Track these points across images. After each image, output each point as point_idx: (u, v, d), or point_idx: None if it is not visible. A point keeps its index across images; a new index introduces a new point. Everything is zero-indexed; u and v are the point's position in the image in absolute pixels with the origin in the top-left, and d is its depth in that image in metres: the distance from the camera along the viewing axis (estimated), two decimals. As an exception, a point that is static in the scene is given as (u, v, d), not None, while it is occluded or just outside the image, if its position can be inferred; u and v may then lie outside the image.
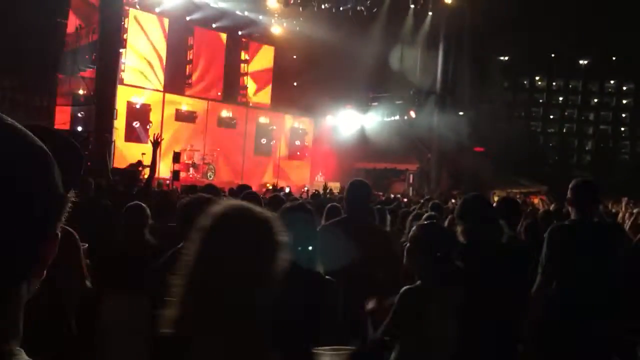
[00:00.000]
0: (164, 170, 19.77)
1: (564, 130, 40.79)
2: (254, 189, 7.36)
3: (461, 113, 29.41)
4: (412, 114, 27.16)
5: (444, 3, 25.94)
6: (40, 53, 16.76)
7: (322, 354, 2.20)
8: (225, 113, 26.00)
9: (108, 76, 17.05)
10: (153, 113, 23.34)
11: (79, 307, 3.19)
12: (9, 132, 0.80)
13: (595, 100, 40.87)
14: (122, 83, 20.83)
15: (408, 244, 3.34)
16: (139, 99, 22.87)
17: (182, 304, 1.67)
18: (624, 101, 40.36)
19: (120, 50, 19.64)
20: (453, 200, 12.64)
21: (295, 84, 27.18)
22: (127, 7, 21.67)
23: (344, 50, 24.58)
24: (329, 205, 5.65)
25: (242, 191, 6.93)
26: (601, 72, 39.10)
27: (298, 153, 29.06)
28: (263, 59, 27.57)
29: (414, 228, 3.48)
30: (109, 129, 16.88)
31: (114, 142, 17.82)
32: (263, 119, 27.61)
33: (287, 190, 16.59)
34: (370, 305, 3.38)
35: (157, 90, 23.61)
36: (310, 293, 2.67)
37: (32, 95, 16.86)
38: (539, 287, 3.90)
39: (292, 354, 1.80)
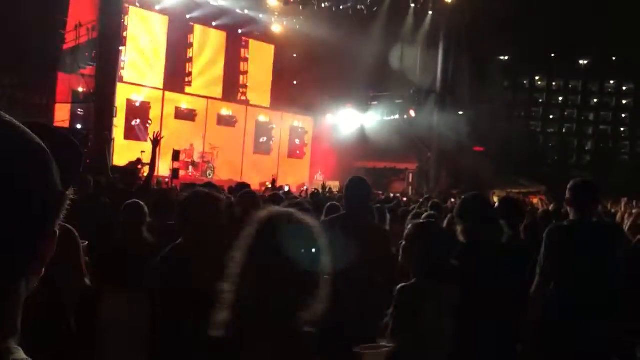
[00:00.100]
0: (163, 168, 19.78)
1: (564, 130, 40.79)
2: (254, 187, 7.36)
3: (461, 112, 29.41)
4: (412, 113, 27.16)
5: (444, 2, 25.94)
6: (39, 50, 16.73)
7: (363, 352, 2.20)
8: (224, 111, 26.01)
9: (108, 74, 17.04)
10: (153, 111, 23.35)
11: (78, 305, 3.18)
12: (7, 129, 0.80)
13: (595, 100, 40.86)
14: (121, 81, 20.82)
15: (403, 242, 3.34)
16: (138, 97, 22.88)
17: (231, 308, 1.70)
18: (624, 101, 40.36)
19: (120, 48, 19.61)
20: (452, 200, 12.64)
21: (295, 82, 27.20)
22: (127, 5, 21.66)
23: (344, 49, 24.57)
24: (329, 204, 5.65)
25: (241, 189, 6.93)
26: (601, 72, 39.10)
27: (297, 152, 29.08)
28: (263, 57, 27.58)
29: (409, 226, 3.48)
30: (108, 126, 16.86)
31: (114, 139, 17.80)
32: (262, 118, 27.62)
33: (286, 189, 16.59)
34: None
35: (157, 88, 23.63)
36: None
37: (32, 93, 16.83)
38: (537, 287, 3.89)
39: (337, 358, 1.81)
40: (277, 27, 26.87)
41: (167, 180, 18.19)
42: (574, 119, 40.95)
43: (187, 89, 24.97)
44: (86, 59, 18.09)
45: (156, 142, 6.95)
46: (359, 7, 25.19)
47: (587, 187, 4.06)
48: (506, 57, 38.43)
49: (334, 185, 22.30)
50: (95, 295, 3.64)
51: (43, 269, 0.84)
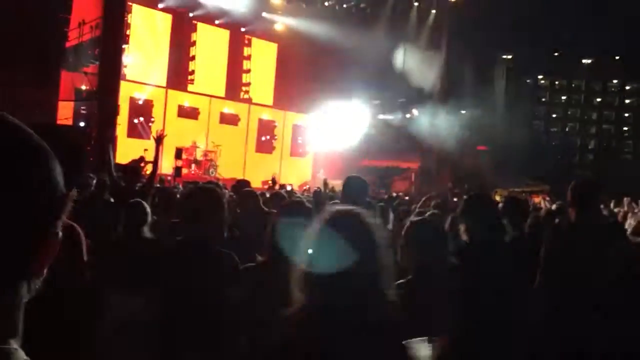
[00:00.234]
0: (166, 166, 19.78)
1: (567, 130, 40.72)
2: (256, 185, 7.36)
3: (464, 111, 29.39)
4: (415, 112, 27.14)
5: (447, 1, 25.90)
6: (42, 48, 16.74)
7: (415, 344, 2.22)
8: (227, 109, 26.01)
9: (111, 72, 17.04)
10: (155, 109, 23.37)
11: (80, 305, 3.19)
12: (10, 130, 0.80)
13: (598, 99, 40.77)
14: (124, 79, 20.83)
15: (402, 240, 3.34)
16: (141, 95, 22.90)
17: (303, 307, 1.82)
18: (627, 101, 40.27)
19: (123, 46, 19.62)
20: (455, 199, 12.62)
21: (297, 81, 27.13)
22: (130, 3, 21.66)
23: (347, 48, 24.55)
24: (331, 203, 5.65)
25: (241, 186, 6.92)
26: (604, 71, 39.02)
27: (300, 150, 29.06)
28: (266, 55, 27.56)
29: (406, 224, 3.48)
30: (111, 124, 16.87)
31: (116, 137, 17.81)
32: (265, 116, 27.61)
33: (288, 188, 16.58)
34: None
35: (160, 87, 23.64)
36: None
37: (35, 91, 16.83)
38: (538, 288, 3.88)
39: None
40: (280, 26, 26.84)
41: (169, 178, 18.20)
42: (577, 118, 40.89)
43: (190, 87, 24.97)
44: (89, 56, 18.10)
45: (159, 141, 6.96)
46: (362, 5, 25.18)
47: (588, 187, 4.04)
48: (509, 56, 38.36)
49: (337, 183, 22.27)
50: (96, 295, 3.64)
51: (45, 271, 0.84)
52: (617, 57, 38.41)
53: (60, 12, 17.63)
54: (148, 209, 4.45)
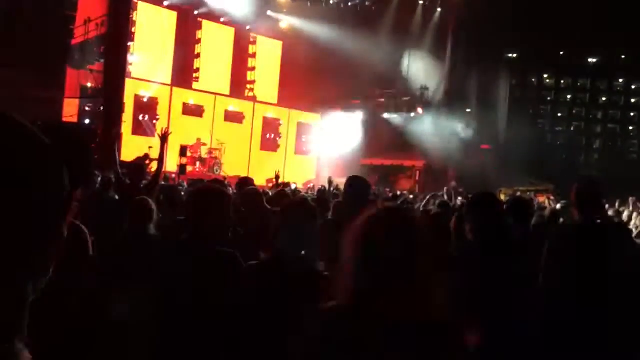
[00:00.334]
0: (171, 164, 19.80)
1: (572, 129, 40.58)
2: (260, 183, 7.37)
3: (468, 110, 29.34)
4: (420, 110, 27.09)
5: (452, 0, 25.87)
6: (48, 46, 16.78)
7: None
8: (232, 107, 26.02)
9: (116, 69, 17.10)
10: (160, 107, 23.40)
11: (85, 304, 3.20)
12: (14, 128, 0.80)
13: (604, 98, 40.62)
14: (129, 76, 20.88)
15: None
16: (146, 93, 22.93)
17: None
18: (633, 100, 40.12)
19: (129, 43, 19.66)
20: (460, 198, 12.61)
21: (302, 79, 27.11)
22: (135, 1, 21.70)
23: (352, 46, 24.52)
24: (335, 201, 5.65)
25: (244, 184, 6.92)
26: (610, 70, 38.89)
27: (304, 148, 29.05)
28: (271, 53, 27.56)
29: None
30: (116, 122, 16.91)
31: (121, 135, 17.85)
32: (270, 114, 27.61)
33: (293, 187, 16.57)
34: None
35: (165, 84, 23.66)
36: None
37: (40, 88, 16.88)
38: (541, 289, 3.87)
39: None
40: (285, 24, 26.82)
41: (173, 175, 18.23)
42: (582, 117, 40.72)
43: (195, 85, 24.99)
44: (95, 54, 18.15)
45: (164, 138, 6.97)
46: (367, 3, 25.14)
47: (592, 187, 4.01)
48: (514, 55, 38.27)
49: (341, 182, 22.25)
50: (101, 294, 3.65)
51: (50, 270, 0.84)
52: (623, 57, 38.27)
53: (66, 9, 17.68)
54: (154, 206, 4.46)
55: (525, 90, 39.78)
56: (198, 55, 25.03)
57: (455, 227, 4.60)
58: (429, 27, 27.06)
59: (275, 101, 27.80)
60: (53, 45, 17.10)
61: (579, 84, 40.51)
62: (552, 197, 16.44)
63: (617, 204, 12.94)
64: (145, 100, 22.89)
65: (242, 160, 25.65)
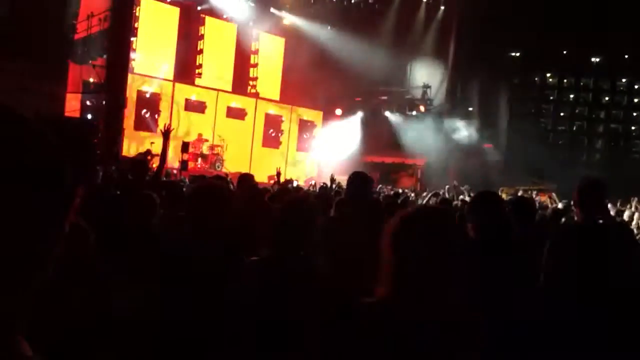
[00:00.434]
0: (172, 159, 19.82)
1: (574, 128, 40.49)
2: (261, 180, 7.37)
3: (470, 109, 29.31)
4: (422, 108, 27.07)
5: (456, -2, 25.86)
6: (51, 40, 16.78)
7: None
8: (234, 104, 26.01)
9: (119, 65, 17.09)
10: (162, 102, 23.40)
11: (87, 300, 3.20)
12: (16, 123, 0.80)
13: (607, 98, 40.52)
14: (132, 72, 20.87)
15: None
16: (149, 88, 22.93)
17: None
18: (636, 100, 40.02)
19: (131, 39, 19.65)
20: (462, 197, 12.61)
21: (304, 76, 27.11)
22: (138, -4, 21.70)
23: (355, 43, 24.51)
24: (337, 199, 5.65)
25: (244, 180, 6.91)
26: (613, 70, 38.80)
27: (306, 145, 29.05)
28: (273, 50, 27.53)
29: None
30: (119, 117, 16.92)
31: (124, 130, 17.88)
32: (272, 111, 27.61)
33: (295, 184, 16.58)
34: None
35: (167, 80, 23.66)
36: None
37: (43, 82, 16.88)
38: (541, 289, 3.86)
39: None
40: (287, 21, 26.80)
41: (175, 171, 18.24)
42: (584, 117, 40.63)
43: (197, 81, 24.99)
44: (97, 49, 18.13)
45: (167, 134, 6.97)
46: (370, 1, 25.10)
47: (595, 187, 4.00)
48: (517, 54, 38.19)
49: (343, 179, 22.26)
50: (103, 290, 3.64)
51: (51, 267, 0.84)
52: (626, 56, 38.19)
53: (69, 4, 17.67)
54: (157, 201, 4.45)
55: (528, 89, 39.69)
56: (201, 52, 25.02)
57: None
58: (432, 25, 27.03)
59: (277, 98, 27.79)
60: (56, 39, 17.09)
61: (581, 84, 40.42)
62: (553, 197, 16.43)
63: (618, 204, 12.95)
64: (147, 95, 22.90)
65: (244, 156, 25.66)
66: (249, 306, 2.89)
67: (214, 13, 24.82)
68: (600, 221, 3.97)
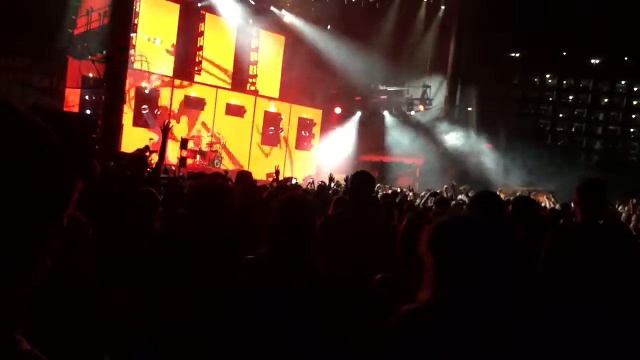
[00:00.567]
0: (171, 156, 19.82)
1: (573, 130, 40.55)
2: (260, 178, 7.36)
3: (470, 109, 29.32)
4: (421, 107, 27.08)
5: (457, -3, 25.86)
6: (51, 35, 16.78)
7: None
8: (233, 101, 26.00)
9: (118, 60, 17.07)
10: (162, 99, 23.39)
11: (84, 297, 3.19)
12: (14, 117, 0.79)
13: (606, 100, 40.59)
14: (131, 68, 20.85)
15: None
16: (148, 84, 22.91)
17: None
18: (635, 102, 40.08)
19: (131, 35, 19.63)
20: (460, 197, 12.63)
21: (304, 74, 27.10)
22: (138, -8, 21.66)
23: (354, 42, 24.51)
24: (335, 198, 5.65)
25: (243, 177, 6.91)
26: (612, 72, 38.84)
27: (305, 143, 29.05)
28: (273, 48, 27.51)
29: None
30: (118, 113, 16.92)
31: (122, 126, 17.87)
32: (271, 108, 27.60)
33: (294, 181, 16.60)
34: None
35: (167, 76, 23.64)
36: None
37: (42, 77, 16.88)
38: (540, 291, 3.85)
39: None
40: (288, 18, 26.78)
41: (173, 168, 18.24)
42: (583, 119, 40.69)
43: (197, 78, 24.96)
44: (97, 44, 18.13)
45: (166, 131, 6.97)
46: (370, 0, 25.10)
47: (595, 187, 3.99)
48: (517, 54, 38.24)
49: (340, 177, 22.31)
50: (99, 286, 3.64)
51: (50, 260, 0.84)
52: (626, 58, 38.24)
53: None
54: (159, 198, 4.44)
55: (527, 90, 39.74)
56: (200, 48, 24.99)
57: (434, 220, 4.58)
58: (433, 24, 27.03)
59: (276, 95, 27.78)
60: (55, 34, 17.08)
61: (581, 85, 40.49)
62: (551, 198, 16.46)
63: (616, 205, 12.97)
64: (146, 91, 22.88)
65: (243, 154, 25.66)
66: (248, 306, 2.89)
67: (214, 10, 24.78)
68: (600, 222, 3.97)
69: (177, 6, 23.92)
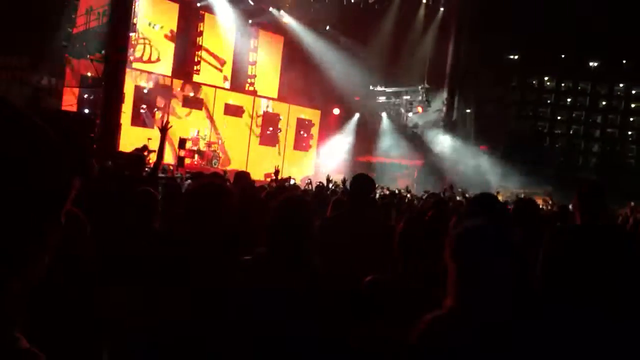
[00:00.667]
0: (169, 155, 19.81)
1: (571, 132, 40.62)
2: (258, 178, 7.37)
3: (468, 110, 29.35)
4: (420, 109, 27.11)
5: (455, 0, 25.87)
6: (50, 34, 16.76)
7: None
8: (232, 101, 26.00)
9: (117, 59, 17.06)
10: (160, 98, 23.37)
11: (83, 294, 3.18)
12: (13, 116, 0.79)
13: (604, 103, 40.67)
14: (130, 67, 20.84)
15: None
16: (146, 84, 22.90)
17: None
18: (633, 105, 40.17)
19: (130, 34, 19.62)
20: (459, 198, 12.63)
21: (303, 74, 27.11)
22: (137, -9, 21.63)
23: (354, 43, 24.53)
24: (334, 198, 5.65)
25: (241, 178, 6.90)
26: (611, 75, 38.92)
27: (303, 144, 29.07)
28: (272, 48, 27.52)
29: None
30: (116, 112, 16.91)
31: (121, 125, 17.86)
32: (270, 109, 27.61)
33: (292, 182, 16.60)
34: None
35: (165, 76, 23.63)
36: None
37: (41, 76, 16.86)
38: (538, 291, 3.85)
39: None
40: (287, 19, 26.78)
41: (171, 167, 18.23)
42: (581, 121, 40.77)
43: (195, 77, 24.95)
44: (96, 43, 18.11)
45: (164, 131, 6.96)
46: (370, 1, 25.09)
47: (596, 190, 4.00)
48: (516, 57, 38.30)
49: (338, 178, 22.30)
50: (100, 285, 3.63)
51: (48, 258, 0.84)
52: (624, 61, 38.32)
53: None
54: (158, 198, 4.44)
55: (526, 92, 39.83)
56: (199, 48, 24.98)
57: (455, 227, 4.57)
58: (432, 26, 27.05)
59: (275, 96, 27.78)
60: (54, 33, 17.07)
61: (579, 88, 40.56)
62: (548, 200, 16.49)
63: (615, 209, 12.97)
64: (145, 91, 22.87)
65: (241, 154, 25.66)
66: (246, 306, 2.88)
67: (213, 10, 24.77)
68: (600, 224, 3.97)
69: (177, 5, 23.91)
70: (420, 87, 27.16)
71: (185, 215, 3.20)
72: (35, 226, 0.79)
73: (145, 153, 13.85)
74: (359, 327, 2.92)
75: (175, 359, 2.96)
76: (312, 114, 29.13)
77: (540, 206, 14.77)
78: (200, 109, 24.78)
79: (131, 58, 21.46)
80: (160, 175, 8.47)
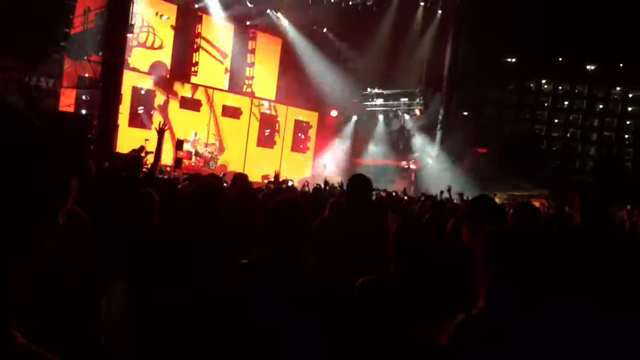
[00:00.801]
0: (166, 157, 19.78)
1: (568, 135, 40.72)
2: (256, 180, 7.36)
3: (466, 113, 29.41)
4: (417, 111, 27.14)
5: (453, 2, 25.87)
6: (47, 35, 16.75)
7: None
8: (229, 103, 26.00)
9: (114, 61, 17.04)
10: (157, 99, 23.36)
11: (81, 293, 3.18)
12: (11, 117, 0.79)
13: (601, 106, 40.77)
14: (128, 68, 20.82)
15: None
16: (144, 85, 22.89)
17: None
18: (629, 108, 40.28)
19: (128, 35, 19.61)
20: (455, 200, 12.64)
21: (301, 76, 27.09)
22: (135, -8, 21.61)
23: (351, 45, 24.54)
24: (332, 200, 5.65)
25: (239, 180, 6.88)
26: (608, 78, 39.03)
27: (301, 146, 29.07)
28: (270, 50, 27.52)
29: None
30: (113, 113, 16.89)
31: (118, 126, 17.84)
32: (267, 111, 27.61)
33: (290, 183, 16.60)
34: None
35: (163, 77, 23.62)
36: None
37: (38, 77, 16.85)
38: (538, 292, 3.84)
39: None
40: (285, 21, 26.78)
41: (168, 168, 18.22)
42: (578, 124, 40.87)
43: (193, 79, 24.95)
44: (93, 44, 18.10)
45: (161, 132, 6.94)
46: (368, 3, 25.11)
47: (595, 192, 4.00)
48: (513, 60, 38.38)
49: (336, 180, 22.32)
50: (97, 283, 3.63)
51: (47, 256, 0.84)
52: (621, 65, 38.42)
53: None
54: (157, 199, 4.43)
55: (523, 95, 39.93)
56: (197, 49, 24.97)
57: (452, 229, 4.58)
58: (429, 28, 27.07)
59: (273, 97, 27.78)
60: (51, 34, 17.06)
61: (576, 91, 40.67)
62: (545, 203, 16.48)
63: (612, 212, 12.98)
64: (142, 92, 22.85)
65: (239, 155, 25.65)
66: (244, 306, 2.88)
67: (211, 11, 24.76)
68: (600, 226, 3.97)
69: (175, 7, 23.91)
70: (417, 90, 27.18)
71: (183, 215, 3.20)
72: (33, 226, 0.80)
73: (143, 154, 13.84)
74: (356, 327, 2.91)
75: (174, 359, 2.96)
76: (309, 116, 29.14)
77: (539, 209, 14.78)
78: (198, 111, 24.76)
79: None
80: (159, 177, 8.46)
